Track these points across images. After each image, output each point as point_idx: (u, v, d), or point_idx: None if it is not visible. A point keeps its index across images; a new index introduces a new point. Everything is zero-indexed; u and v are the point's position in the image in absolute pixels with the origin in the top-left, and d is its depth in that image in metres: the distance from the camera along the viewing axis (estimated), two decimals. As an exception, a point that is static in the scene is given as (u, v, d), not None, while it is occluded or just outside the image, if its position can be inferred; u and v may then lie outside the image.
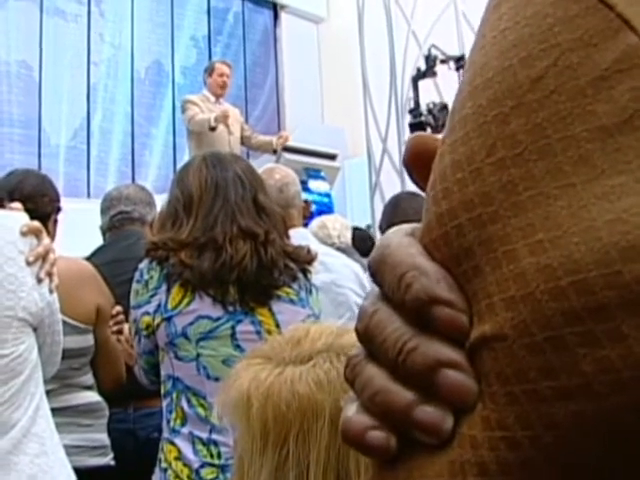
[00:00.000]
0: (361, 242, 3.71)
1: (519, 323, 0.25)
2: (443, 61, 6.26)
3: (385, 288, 0.30)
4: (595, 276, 0.24)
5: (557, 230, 0.25)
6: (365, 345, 0.31)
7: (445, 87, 6.51)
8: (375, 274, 0.31)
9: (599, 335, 0.24)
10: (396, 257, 0.30)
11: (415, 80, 6.45)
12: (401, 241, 0.31)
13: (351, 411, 0.30)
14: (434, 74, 6.38)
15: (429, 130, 6.06)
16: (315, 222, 3.39)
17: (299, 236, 2.50)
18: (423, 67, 6.45)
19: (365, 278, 2.64)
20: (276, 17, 9.56)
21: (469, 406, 0.27)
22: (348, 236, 3.46)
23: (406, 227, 0.32)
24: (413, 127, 6.22)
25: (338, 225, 3.42)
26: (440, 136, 0.31)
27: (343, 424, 0.30)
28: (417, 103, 6.32)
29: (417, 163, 0.34)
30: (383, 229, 3.22)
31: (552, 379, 0.25)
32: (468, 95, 0.29)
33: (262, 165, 3.03)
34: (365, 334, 0.31)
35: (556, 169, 0.25)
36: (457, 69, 6.16)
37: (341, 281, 2.57)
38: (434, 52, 6.33)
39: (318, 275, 2.33)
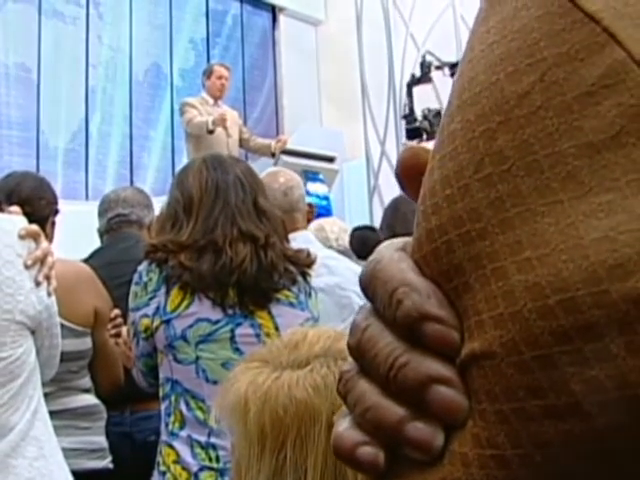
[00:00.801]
0: (360, 244, 3.71)
1: (507, 341, 0.25)
2: (438, 67, 6.29)
3: (377, 304, 0.30)
4: (583, 295, 0.24)
5: (545, 248, 0.25)
6: (357, 360, 0.31)
7: (443, 92, 6.52)
8: (366, 289, 0.31)
9: (588, 354, 0.24)
10: (387, 272, 0.30)
11: (410, 86, 6.47)
12: (392, 256, 0.31)
13: (342, 426, 0.30)
14: (429, 80, 6.41)
15: (425, 136, 6.08)
16: (313, 225, 3.39)
17: (303, 239, 2.50)
18: (418, 73, 6.47)
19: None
20: (274, 20, 9.56)
21: (460, 423, 0.27)
22: (346, 239, 3.46)
23: (397, 241, 0.32)
24: (409, 132, 6.24)
25: (336, 228, 3.42)
26: (433, 143, 0.31)
27: (334, 439, 0.30)
28: (411, 109, 6.34)
29: (409, 176, 0.34)
30: (384, 231, 3.23)
31: (540, 398, 0.25)
32: (456, 110, 0.29)
33: (260, 168, 3.03)
34: (357, 349, 0.31)
35: (543, 186, 0.25)
36: (452, 75, 6.18)
37: (345, 284, 2.57)
38: (429, 58, 6.35)
39: (322, 278, 2.33)
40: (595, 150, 0.25)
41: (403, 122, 6.70)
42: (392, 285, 0.29)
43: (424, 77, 6.40)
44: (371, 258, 0.32)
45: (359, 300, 2.56)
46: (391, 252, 0.31)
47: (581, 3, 0.26)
